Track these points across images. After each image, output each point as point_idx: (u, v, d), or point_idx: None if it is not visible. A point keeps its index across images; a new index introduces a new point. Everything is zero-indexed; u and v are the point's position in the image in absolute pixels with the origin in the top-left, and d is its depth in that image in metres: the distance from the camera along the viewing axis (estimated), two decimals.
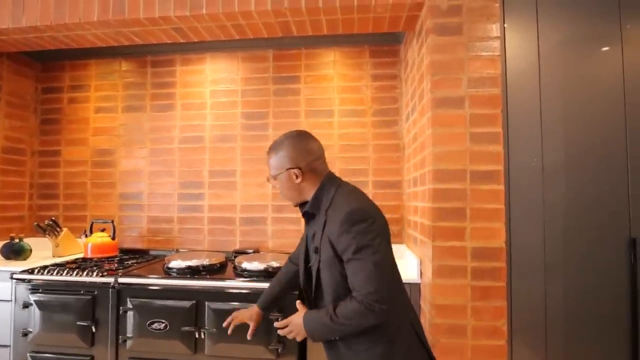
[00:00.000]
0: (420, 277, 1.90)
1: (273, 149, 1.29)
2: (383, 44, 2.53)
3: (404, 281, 1.82)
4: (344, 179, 2.44)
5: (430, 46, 1.73)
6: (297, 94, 2.58)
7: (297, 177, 1.24)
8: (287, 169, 1.24)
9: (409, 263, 2.14)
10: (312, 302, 1.30)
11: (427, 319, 1.76)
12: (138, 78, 2.70)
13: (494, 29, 1.71)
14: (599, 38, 1.75)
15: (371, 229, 1.10)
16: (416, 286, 1.92)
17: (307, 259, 1.35)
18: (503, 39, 1.78)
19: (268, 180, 1.34)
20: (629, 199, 1.70)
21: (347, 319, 1.10)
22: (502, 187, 1.67)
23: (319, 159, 1.28)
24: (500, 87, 1.70)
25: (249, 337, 1.45)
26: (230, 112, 2.62)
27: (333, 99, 2.56)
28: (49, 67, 2.78)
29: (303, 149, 1.25)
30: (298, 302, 1.33)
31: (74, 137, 2.73)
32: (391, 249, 1.23)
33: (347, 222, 1.11)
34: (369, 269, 1.07)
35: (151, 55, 2.68)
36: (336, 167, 2.52)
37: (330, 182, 1.26)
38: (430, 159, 1.71)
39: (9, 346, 2.07)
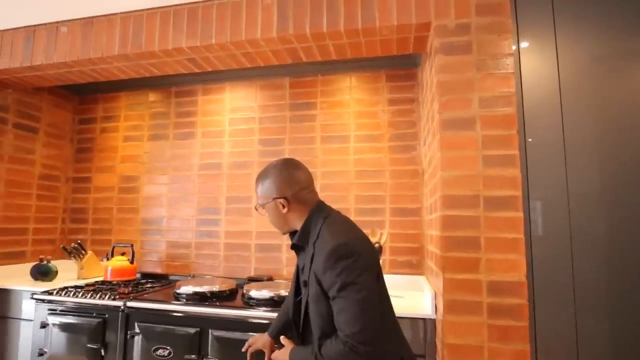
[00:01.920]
0: (436, 312, 1.75)
1: (260, 177, 1.28)
2: (400, 68, 2.48)
3: (419, 316, 1.73)
4: (360, 205, 2.42)
5: (437, 66, 1.66)
6: (313, 120, 2.57)
7: (283, 207, 1.22)
8: (274, 199, 1.22)
9: (426, 296, 1.99)
10: (301, 335, 1.24)
11: (440, 359, 1.59)
12: (163, 108, 2.83)
13: (507, 46, 1.62)
14: (628, 51, 1.60)
15: (356, 265, 1.05)
16: (431, 322, 1.76)
17: (297, 291, 1.31)
18: (518, 55, 1.68)
19: (256, 209, 1.32)
20: None
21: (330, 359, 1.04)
22: (520, 215, 1.52)
23: (307, 189, 1.24)
24: (515, 107, 1.58)
25: None
26: (247, 139, 2.65)
27: (349, 124, 2.52)
28: (85, 99, 2.99)
29: (289, 179, 1.23)
30: (282, 337, 1.27)
31: (103, 165, 2.89)
32: (383, 283, 1.17)
33: (331, 258, 1.06)
34: (353, 308, 1.02)
35: (176, 86, 2.81)
36: (352, 193, 2.44)
37: (318, 213, 1.22)
38: (440, 184, 1.61)
39: None
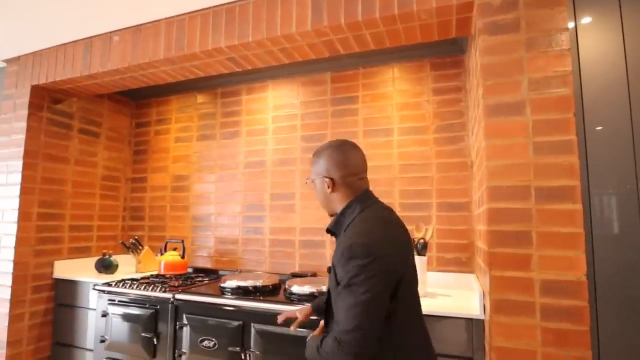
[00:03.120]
0: (484, 313, 1.63)
1: (315, 153, 1.30)
2: (445, 55, 2.35)
3: (466, 316, 1.62)
4: (405, 200, 2.33)
5: (481, 48, 1.54)
6: (355, 114, 2.52)
7: (329, 187, 1.22)
8: (322, 177, 1.24)
9: (475, 295, 1.87)
10: (325, 320, 1.27)
11: None
12: (210, 109, 2.94)
13: (561, 20, 1.45)
14: None
15: (369, 267, 1.01)
16: (480, 322, 1.64)
17: None
18: (575, 30, 1.51)
19: (306, 182, 1.36)
20: None
21: (325, 354, 1.05)
22: (579, 207, 1.36)
23: (356, 175, 1.22)
24: (571, 87, 1.42)
25: (292, 328, 1.44)
26: (290, 136, 2.67)
27: (392, 117, 2.44)
28: (141, 104, 3.20)
29: (340, 161, 1.22)
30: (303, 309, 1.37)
31: (157, 165, 3.07)
32: (409, 290, 1.13)
33: (346, 254, 1.05)
34: (352, 306, 1.00)
35: (221, 87, 2.90)
36: (396, 188, 2.36)
37: (357, 203, 1.19)
38: (485, 175, 1.49)
39: (92, 350, 2.31)
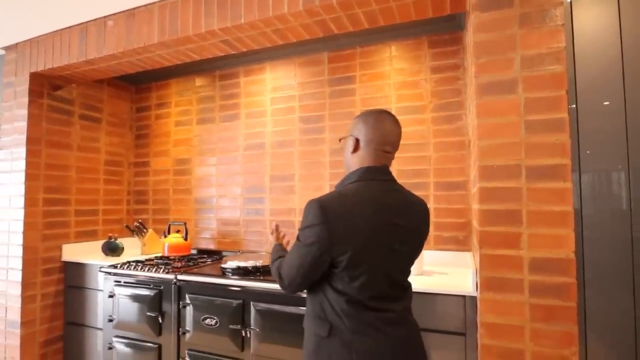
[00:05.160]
0: (477, 290, 1.66)
1: (358, 114, 1.32)
2: (443, 32, 2.31)
3: (459, 293, 1.65)
4: (403, 180, 2.34)
5: (473, 25, 1.51)
6: (353, 95, 2.51)
7: (353, 146, 1.23)
8: (351, 135, 1.25)
9: (469, 273, 1.90)
10: None
11: (478, 337, 1.52)
12: (209, 92, 2.94)
13: None
14: None
15: (313, 231, 1.10)
16: (473, 299, 1.67)
17: None
18: (570, 5, 1.47)
19: (340, 140, 1.38)
20: None
21: (271, 266, 1.29)
22: (569, 185, 1.36)
23: (380, 144, 1.21)
24: (564, 64, 1.39)
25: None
26: (288, 118, 2.67)
27: (390, 96, 2.42)
28: (140, 89, 3.21)
29: (372, 126, 1.22)
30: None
31: (159, 149, 3.10)
32: (366, 267, 1.11)
33: (305, 210, 1.13)
34: (295, 248, 1.16)
35: (219, 70, 2.90)
36: (393, 168, 2.33)
37: (361, 173, 1.20)
38: (477, 154, 1.49)
39: (102, 329, 2.41)
